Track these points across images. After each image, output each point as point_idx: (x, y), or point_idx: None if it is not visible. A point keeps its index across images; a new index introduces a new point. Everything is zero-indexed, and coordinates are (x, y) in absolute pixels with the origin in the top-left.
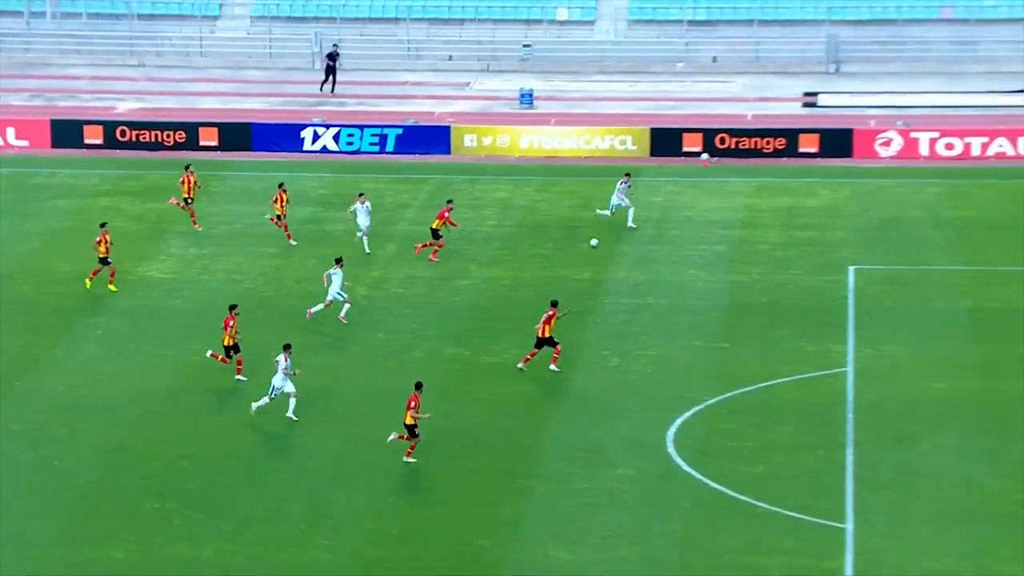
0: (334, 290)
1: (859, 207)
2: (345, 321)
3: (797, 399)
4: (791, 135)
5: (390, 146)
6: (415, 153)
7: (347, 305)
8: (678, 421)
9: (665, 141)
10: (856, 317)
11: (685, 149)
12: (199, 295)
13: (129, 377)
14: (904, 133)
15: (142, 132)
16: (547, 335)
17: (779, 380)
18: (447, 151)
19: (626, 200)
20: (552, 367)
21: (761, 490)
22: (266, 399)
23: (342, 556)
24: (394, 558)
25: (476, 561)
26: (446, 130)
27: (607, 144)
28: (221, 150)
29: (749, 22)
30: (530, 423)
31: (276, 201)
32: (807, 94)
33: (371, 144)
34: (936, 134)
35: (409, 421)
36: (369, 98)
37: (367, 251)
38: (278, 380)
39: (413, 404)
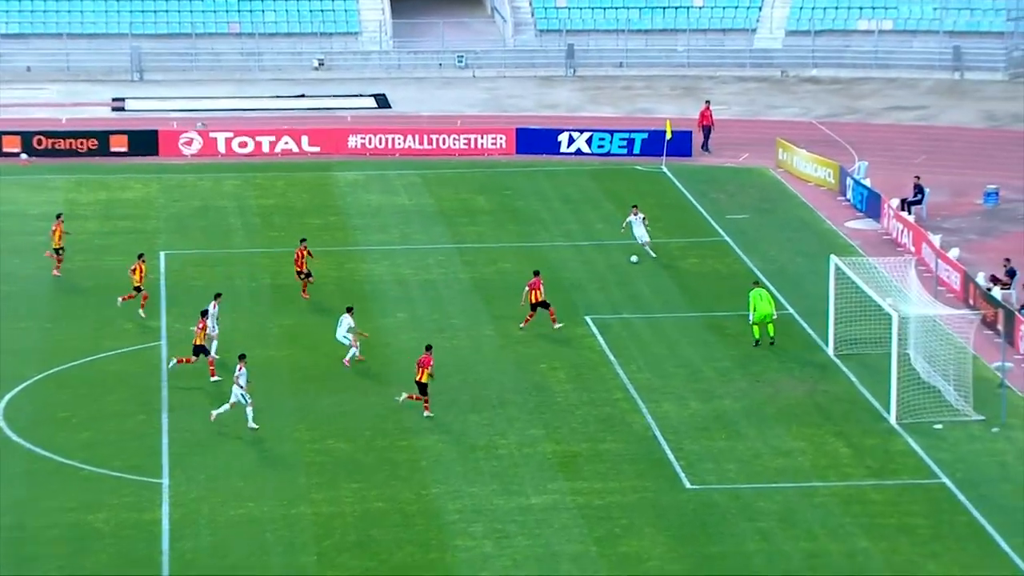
0: (341, 333)
1: (168, 199)
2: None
3: (121, 370)
4: (102, 136)
5: None
6: None
7: (353, 350)
8: (7, 396)
9: None
10: (168, 296)
11: (5, 150)
12: None
13: None
14: (203, 134)
15: None
16: (539, 300)
17: (104, 354)
18: None
19: (645, 234)
20: (555, 326)
21: (89, 455)
22: (227, 406)
23: None
24: None
25: None
26: None
27: None
28: None
29: (59, 35)
30: None
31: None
32: (115, 99)
33: None
34: (231, 134)
35: (424, 379)
36: None
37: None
38: (239, 389)
39: (428, 363)
